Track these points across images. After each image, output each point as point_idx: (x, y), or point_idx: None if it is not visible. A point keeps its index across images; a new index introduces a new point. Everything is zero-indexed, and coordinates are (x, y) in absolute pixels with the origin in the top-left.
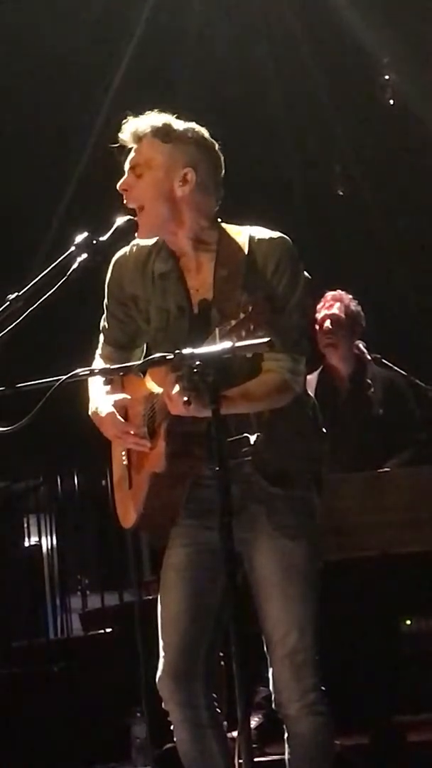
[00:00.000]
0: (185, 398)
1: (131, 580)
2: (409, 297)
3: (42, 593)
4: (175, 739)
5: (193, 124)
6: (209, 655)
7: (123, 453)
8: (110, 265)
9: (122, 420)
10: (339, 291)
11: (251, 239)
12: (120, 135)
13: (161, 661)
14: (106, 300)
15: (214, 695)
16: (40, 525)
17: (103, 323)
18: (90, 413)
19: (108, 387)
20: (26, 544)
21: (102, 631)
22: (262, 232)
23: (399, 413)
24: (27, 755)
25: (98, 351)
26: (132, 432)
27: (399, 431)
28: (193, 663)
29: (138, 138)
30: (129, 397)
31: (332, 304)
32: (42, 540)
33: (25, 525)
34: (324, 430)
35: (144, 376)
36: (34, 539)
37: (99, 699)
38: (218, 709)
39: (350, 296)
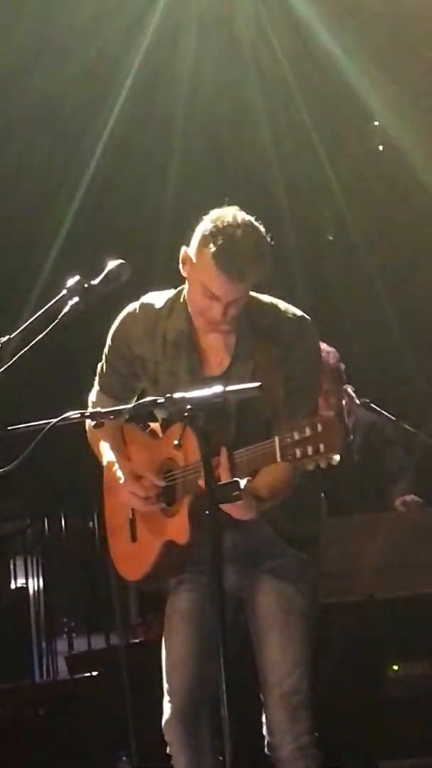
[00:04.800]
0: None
1: (117, 622)
2: (401, 339)
3: (28, 635)
4: None
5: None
6: (214, 699)
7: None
8: (118, 320)
9: (140, 487)
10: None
11: (277, 315)
12: (230, 274)
13: (167, 705)
14: (107, 352)
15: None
16: (27, 567)
17: (100, 371)
18: (105, 469)
19: (116, 445)
20: (12, 586)
21: (88, 674)
22: (288, 309)
23: (376, 456)
24: None
25: (92, 398)
26: (149, 497)
27: (375, 474)
28: (200, 707)
29: (245, 279)
30: (140, 468)
31: None
32: (28, 582)
33: (12, 567)
34: (323, 494)
35: (145, 425)
36: (20, 581)
37: (85, 743)
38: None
39: (328, 349)
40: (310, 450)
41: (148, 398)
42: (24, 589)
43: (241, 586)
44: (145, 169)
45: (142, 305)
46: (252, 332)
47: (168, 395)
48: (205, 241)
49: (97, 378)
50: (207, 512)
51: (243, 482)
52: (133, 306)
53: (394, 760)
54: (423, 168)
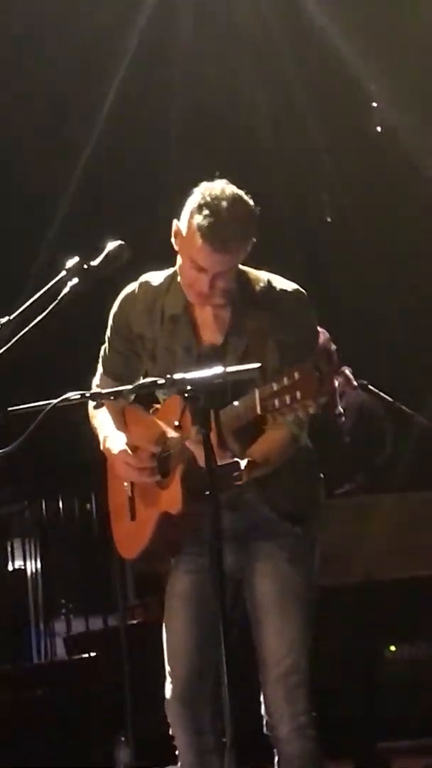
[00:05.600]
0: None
1: (115, 604)
2: (399, 322)
3: (26, 617)
4: (179, 764)
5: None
6: (215, 680)
7: (126, 484)
8: (118, 299)
9: (134, 457)
10: None
11: (271, 288)
12: (214, 245)
13: (169, 686)
14: (109, 333)
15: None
16: (25, 549)
17: (103, 353)
18: (101, 448)
19: (114, 423)
20: (10, 568)
21: (86, 655)
22: (282, 283)
23: (365, 439)
24: None
25: (96, 381)
26: (144, 467)
27: (364, 455)
28: (201, 688)
29: (229, 250)
30: (138, 442)
31: None
32: (26, 564)
33: (10, 549)
34: (322, 475)
35: (142, 404)
36: (18, 563)
37: (83, 723)
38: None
39: (324, 335)
40: (288, 399)
41: (149, 379)
42: (22, 571)
43: (239, 566)
44: (143, 150)
45: (141, 284)
46: (246, 306)
47: (168, 376)
48: (192, 213)
49: (100, 361)
50: (207, 493)
51: (243, 463)
52: (132, 286)
53: (392, 740)
54: (420, 149)
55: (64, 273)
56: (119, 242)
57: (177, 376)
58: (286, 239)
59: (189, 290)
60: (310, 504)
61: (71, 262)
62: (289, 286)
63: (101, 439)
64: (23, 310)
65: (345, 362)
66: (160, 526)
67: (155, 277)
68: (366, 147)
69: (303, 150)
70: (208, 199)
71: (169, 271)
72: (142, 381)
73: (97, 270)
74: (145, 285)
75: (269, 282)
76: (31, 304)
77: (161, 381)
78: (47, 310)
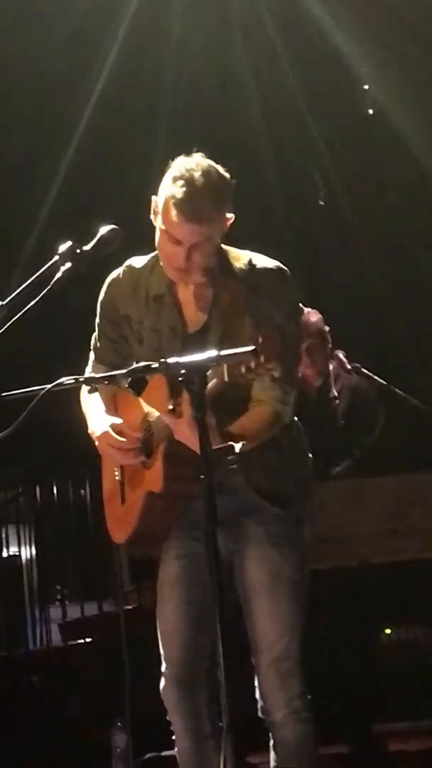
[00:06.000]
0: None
1: (110, 590)
2: (393, 305)
3: (21, 604)
4: (176, 749)
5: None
6: (210, 664)
7: (116, 469)
8: (104, 285)
9: (118, 438)
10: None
11: (252, 266)
12: (186, 214)
13: (164, 671)
14: (98, 319)
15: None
16: (20, 535)
17: (94, 342)
18: (89, 432)
19: (103, 407)
20: (5, 554)
21: (81, 641)
22: (263, 260)
23: (358, 421)
24: (6, 766)
25: (88, 369)
26: (128, 448)
27: (356, 438)
28: (196, 673)
29: (202, 219)
30: (122, 421)
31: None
32: (21, 550)
33: (4, 535)
34: (311, 455)
35: (136, 390)
36: (13, 549)
37: (79, 709)
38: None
39: (309, 309)
40: (252, 364)
41: (142, 363)
42: (16, 557)
43: (230, 550)
44: (136, 133)
45: (125, 267)
46: (226, 282)
47: (162, 360)
48: (166, 185)
49: (91, 349)
50: (201, 477)
51: (238, 446)
52: (117, 271)
53: (388, 723)
54: (412, 132)
55: (56, 257)
56: (112, 226)
57: (171, 360)
58: (280, 222)
59: (168, 266)
60: (298, 486)
61: (64, 247)
62: (271, 263)
63: (88, 423)
64: (16, 295)
65: (338, 345)
66: (145, 507)
67: (138, 261)
68: (358, 129)
69: (294, 133)
70: (183, 171)
71: (153, 253)
72: (135, 365)
73: (90, 254)
74: (129, 268)
75: (250, 260)
76: (23, 289)
77: (155, 365)
78: (40, 295)
